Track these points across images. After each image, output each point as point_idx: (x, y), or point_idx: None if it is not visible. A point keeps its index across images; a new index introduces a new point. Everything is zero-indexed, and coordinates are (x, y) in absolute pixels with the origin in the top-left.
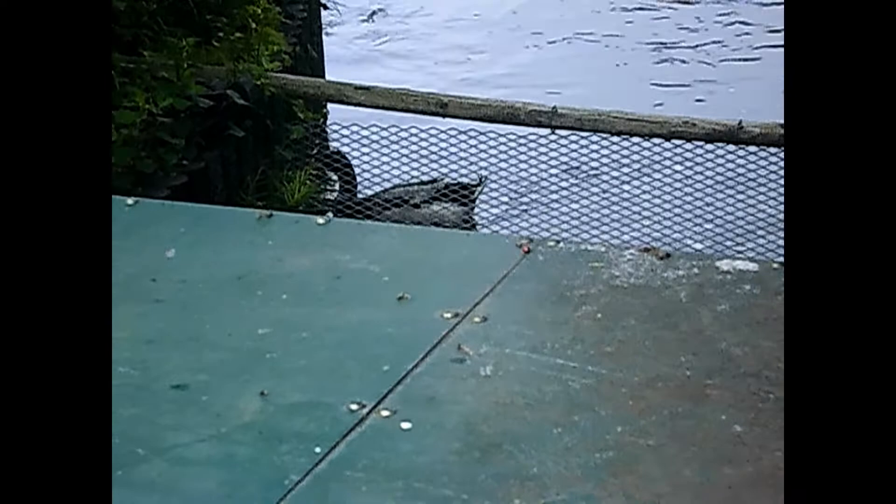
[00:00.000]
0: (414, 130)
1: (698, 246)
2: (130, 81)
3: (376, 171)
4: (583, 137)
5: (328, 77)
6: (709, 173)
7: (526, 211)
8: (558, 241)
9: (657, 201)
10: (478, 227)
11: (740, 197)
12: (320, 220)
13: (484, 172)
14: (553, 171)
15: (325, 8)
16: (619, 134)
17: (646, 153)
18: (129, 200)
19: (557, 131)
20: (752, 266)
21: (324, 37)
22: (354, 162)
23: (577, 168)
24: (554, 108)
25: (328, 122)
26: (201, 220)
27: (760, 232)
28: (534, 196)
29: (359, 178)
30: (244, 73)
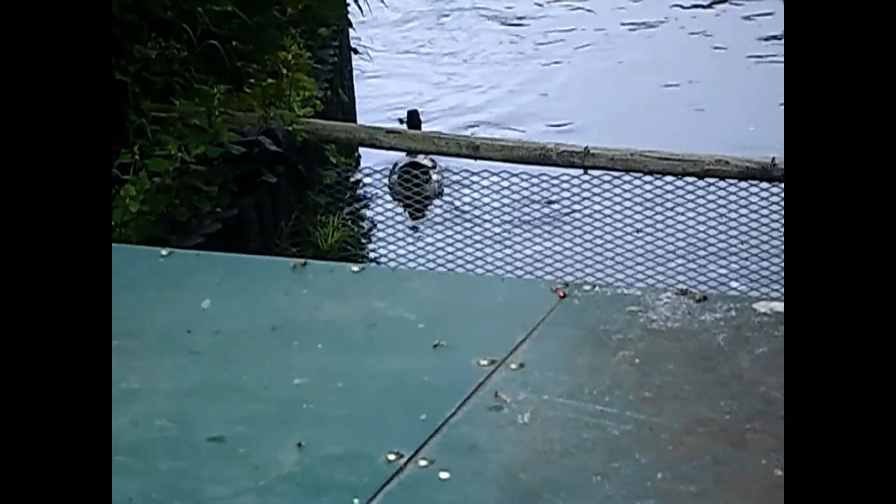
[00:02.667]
0: (447, 173)
1: (735, 285)
2: (163, 129)
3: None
4: (615, 177)
5: (360, 121)
6: (743, 211)
7: (560, 252)
8: (594, 285)
9: (692, 241)
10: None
11: (775, 235)
12: (355, 268)
13: (517, 214)
14: (586, 210)
15: (356, 52)
16: (651, 173)
17: (679, 192)
18: (164, 251)
19: (590, 171)
20: None
21: (354, 80)
22: (388, 206)
23: (610, 208)
24: (586, 148)
25: (360, 166)
26: (236, 270)
27: None
28: (567, 236)
29: (391, 221)
30: (276, 119)
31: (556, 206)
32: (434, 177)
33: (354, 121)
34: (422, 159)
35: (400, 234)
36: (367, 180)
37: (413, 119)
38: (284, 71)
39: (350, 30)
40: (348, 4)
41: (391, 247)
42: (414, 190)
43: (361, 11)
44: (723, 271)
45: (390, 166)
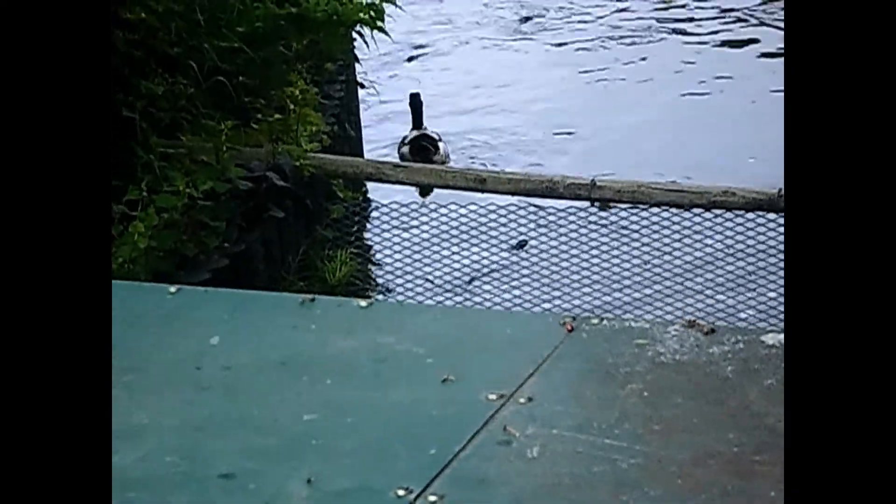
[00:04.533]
0: (453, 206)
1: (743, 316)
2: (170, 165)
3: (416, 246)
4: (622, 209)
5: (367, 155)
6: (750, 242)
7: (568, 285)
8: (602, 318)
9: (700, 272)
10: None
11: (782, 265)
12: (363, 303)
13: (525, 246)
14: (593, 242)
15: (363, 87)
16: (658, 205)
17: (686, 223)
18: (172, 288)
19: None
20: None
21: (361, 115)
22: (395, 239)
23: (618, 240)
24: (593, 180)
25: (367, 200)
26: (244, 306)
27: None
28: (574, 269)
29: (400, 255)
30: (283, 154)
31: (563, 238)
32: (441, 146)
33: (361, 155)
34: (429, 131)
35: (409, 268)
36: (374, 214)
37: (415, 101)
38: (291, 106)
39: (356, 64)
40: (354, 39)
41: (399, 280)
42: (425, 158)
43: (367, 46)
44: (731, 302)
45: (399, 140)
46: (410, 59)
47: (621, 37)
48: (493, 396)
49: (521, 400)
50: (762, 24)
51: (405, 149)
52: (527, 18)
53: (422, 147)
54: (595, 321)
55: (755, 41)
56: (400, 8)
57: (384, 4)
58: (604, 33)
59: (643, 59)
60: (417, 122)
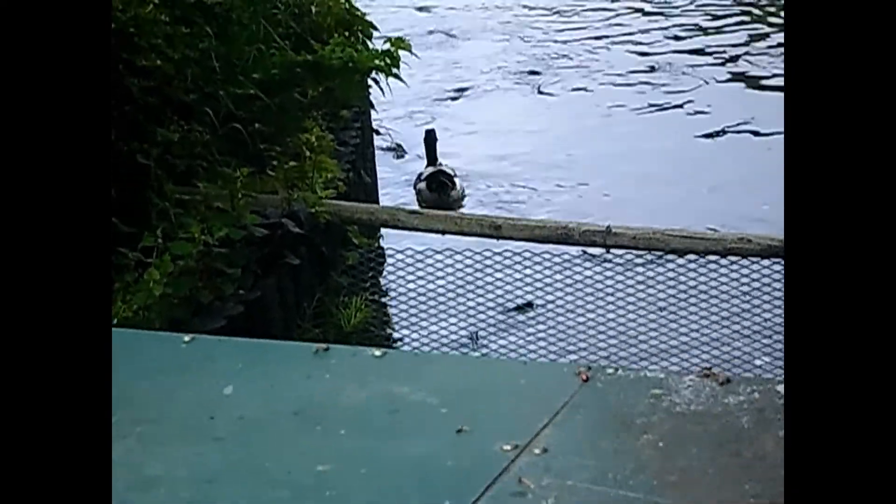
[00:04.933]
0: (468, 253)
1: (759, 363)
2: (186, 212)
3: (431, 293)
4: (638, 255)
5: (382, 201)
6: (766, 289)
7: (584, 332)
8: (617, 368)
9: (716, 318)
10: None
11: None
12: (377, 352)
13: (540, 293)
14: (608, 289)
15: (378, 133)
16: (673, 251)
17: (702, 270)
18: (186, 337)
19: (612, 250)
20: None
21: (377, 161)
22: (410, 286)
23: (633, 287)
24: (608, 227)
25: (384, 247)
26: (258, 355)
27: None
28: (590, 315)
29: (413, 302)
30: (299, 201)
31: (578, 286)
32: (458, 182)
33: (377, 201)
34: (445, 167)
35: (423, 314)
36: (389, 260)
37: (429, 138)
38: (307, 153)
39: (372, 110)
40: (370, 86)
41: (414, 327)
42: (441, 196)
43: (383, 93)
44: (747, 349)
45: (415, 176)
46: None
47: (637, 82)
48: (507, 447)
49: (536, 451)
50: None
51: (422, 185)
52: (534, 72)
53: (441, 183)
54: (610, 371)
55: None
56: (415, 55)
57: (400, 52)
58: (614, 77)
59: (659, 107)
60: (432, 158)
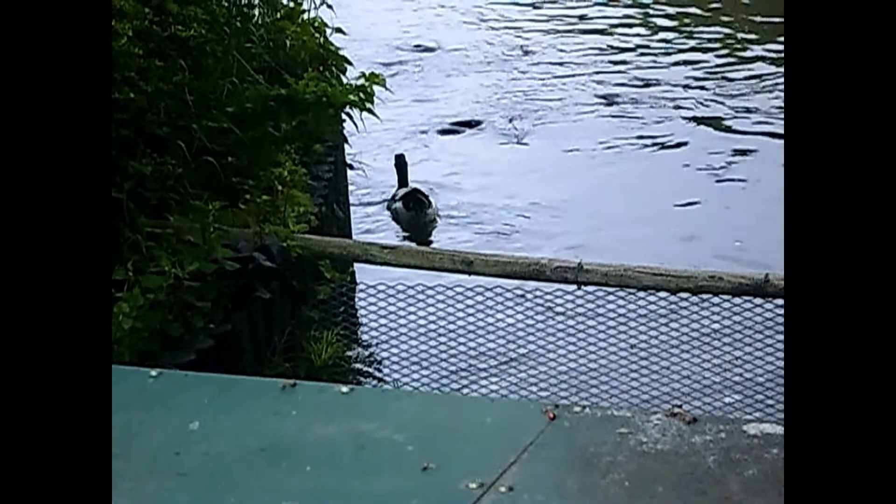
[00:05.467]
0: (440, 288)
1: (729, 400)
2: (157, 245)
3: (403, 328)
4: (609, 293)
5: (355, 236)
6: (737, 327)
7: (554, 368)
8: (584, 406)
9: (687, 356)
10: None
11: (769, 350)
12: (344, 389)
13: (511, 329)
14: (580, 326)
15: (352, 168)
16: (645, 289)
17: (673, 307)
18: (153, 372)
19: (583, 287)
20: (780, 429)
21: (350, 195)
22: (382, 321)
23: (604, 324)
24: (580, 264)
25: (356, 281)
26: (225, 391)
27: None
28: (561, 351)
29: (385, 337)
30: (271, 235)
31: (550, 322)
32: (433, 202)
33: (349, 236)
34: (419, 187)
35: (395, 350)
36: (361, 294)
37: (399, 161)
38: (279, 187)
39: (345, 145)
40: (343, 120)
41: (385, 362)
42: (417, 214)
43: (357, 127)
44: (717, 387)
45: (390, 196)
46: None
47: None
48: (473, 485)
49: (502, 489)
50: None
51: (398, 204)
52: (511, 119)
53: (418, 200)
54: (577, 409)
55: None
56: (389, 90)
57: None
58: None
59: (630, 143)
60: (403, 181)
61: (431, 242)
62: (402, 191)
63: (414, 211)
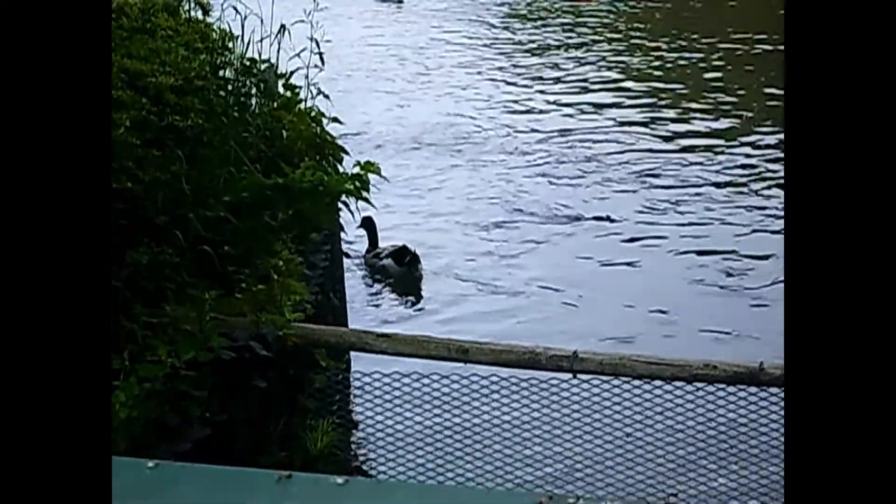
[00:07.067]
0: (435, 377)
1: (723, 489)
2: (153, 334)
3: (398, 417)
4: (604, 381)
5: (351, 324)
6: (731, 416)
7: (550, 457)
8: (578, 497)
9: (681, 445)
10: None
11: (763, 439)
12: (339, 480)
13: (507, 418)
14: (575, 414)
15: (348, 256)
16: (640, 377)
17: (668, 395)
18: (150, 463)
19: (579, 375)
20: None
21: (345, 282)
22: (377, 409)
23: (599, 413)
24: (575, 352)
25: (351, 370)
26: (221, 483)
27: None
28: (557, 441)
29: (380, 426)
30: (267, 324)
31: (545, 411)
32: (422, 261)
33: (345, 324)
34: (406, 245)
35: (390, 439)
36: (356, 384)
37: (367, 222)
38: (275, 276)
39: (342, 233)
40: (339, 209)
41: (380, 451)
42: (410, 269)
43: (353, 216)
44: (712, 475)
45: (368, 253)
46: None
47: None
48: None
49: None
50: None
51: (387, 261)
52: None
53: (414, 256)
54: (571, 501)
55: None
56: (385, 179)
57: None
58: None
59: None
60: (373, 240)
61: (422, 298)
62: (390, 247)
63: (408, 267)
